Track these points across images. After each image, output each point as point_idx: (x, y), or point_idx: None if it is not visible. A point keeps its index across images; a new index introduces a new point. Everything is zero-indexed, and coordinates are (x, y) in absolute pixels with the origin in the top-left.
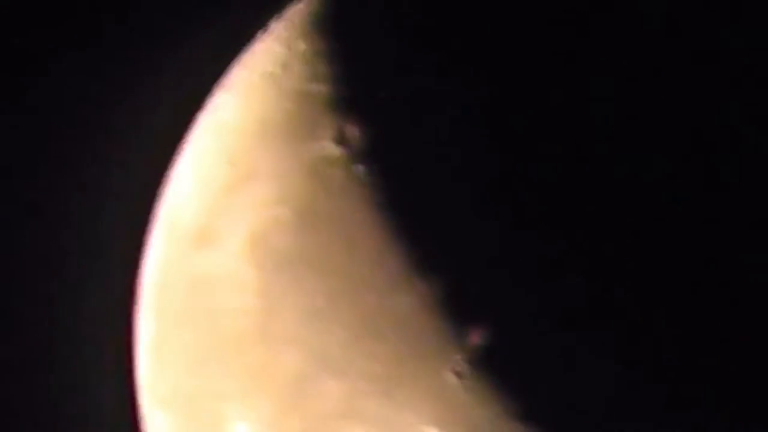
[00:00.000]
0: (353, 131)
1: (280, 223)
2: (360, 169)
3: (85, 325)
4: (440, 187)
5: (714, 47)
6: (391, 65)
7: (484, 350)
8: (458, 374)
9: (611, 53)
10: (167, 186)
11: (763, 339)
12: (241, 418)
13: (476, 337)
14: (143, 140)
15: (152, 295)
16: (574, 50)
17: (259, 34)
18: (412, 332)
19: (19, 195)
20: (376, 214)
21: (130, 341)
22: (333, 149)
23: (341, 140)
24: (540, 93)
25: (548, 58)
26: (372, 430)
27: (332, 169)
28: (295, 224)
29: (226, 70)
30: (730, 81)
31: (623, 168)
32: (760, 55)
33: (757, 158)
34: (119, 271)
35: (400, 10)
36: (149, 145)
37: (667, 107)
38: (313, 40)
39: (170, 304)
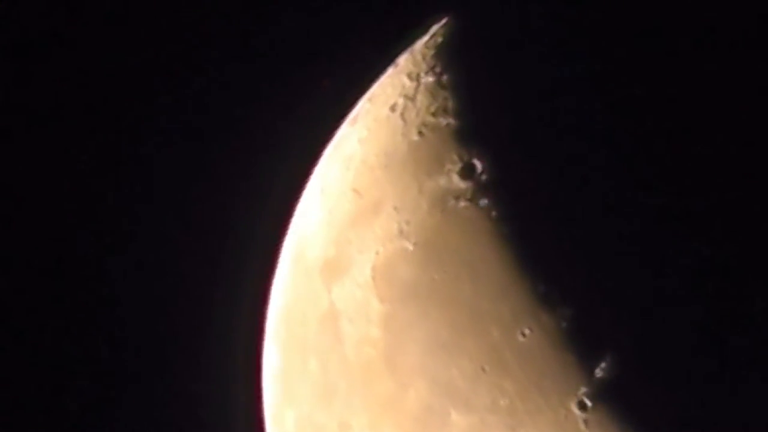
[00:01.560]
0: (478, 164)
1: (405, 255)
2: (485, 202)
3: (213, 355)
4: (564, 221)
5: None
6: (515, 97)
7: (609, 383)
8: (583, 407)
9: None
10: (296, 217)
11: None
12: None
13: (601, 370)
14: (274, 172)
15: (279, 325)
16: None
17: (386, 68)
18: (536, 365)
19: (147, 229)
20: (500, 248)
21: (258, 372)
22: (458, 182)
23: (466, 173)
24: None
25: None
26: None
27: (457, 202)
28: (420, 257)
29: (353, 104)
30: None
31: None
32: None
33: None
34: (247, 302)
35: (523, 45)
36: (279, 176)
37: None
38: (440, 73)
39: (297, 334)
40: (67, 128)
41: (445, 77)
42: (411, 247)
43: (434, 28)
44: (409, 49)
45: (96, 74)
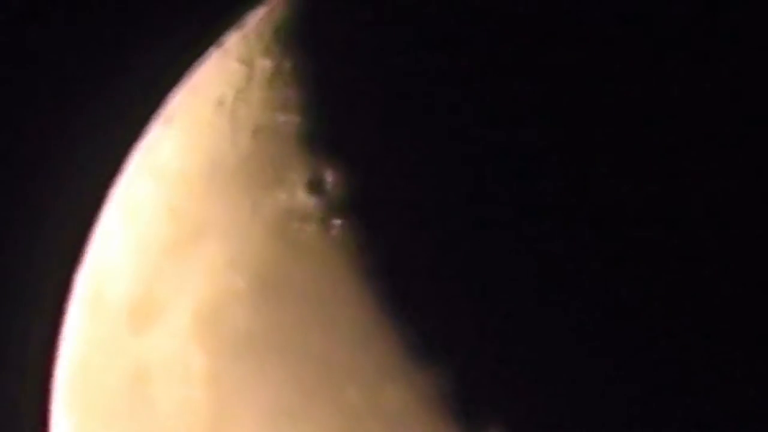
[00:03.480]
0: (331, 176)
1: (237, 294)
2: (338, 225)
3: None
4: (441, 251)
5: None
6: (379, 89)
7: None
8: None
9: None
10: (91, 246)
11: None
12: None
13: None
14: (62, 186)
15: (73, 386)
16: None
17: (209, 50)
18: None
19: None
20: (359, 285)
21: None
22: (304, 199)
23: (315, 188)
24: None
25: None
26: None
27: (303, 226)
28: (256, 296)
29: (166, 97)
30: None
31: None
32: None
33: None
34: (29, 360)
35: (391, 16)
36: (69, 192)
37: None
38: (280, 57)
39: (95, 398)
40: None
41: (287, 62)
42: (244, 285)
43: None
44: (240, 25)
45: None
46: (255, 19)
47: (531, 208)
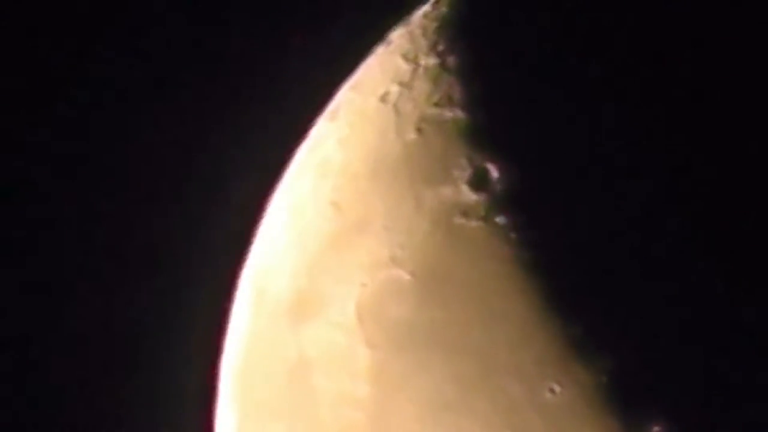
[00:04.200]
0: (494, 171)
1: (399, 288)
2: (502, 220)
3: (156, 422)
4: (602, 246)
5: None
6: (543, 85)
7: None
8: None
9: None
10: (256, 240)
11: None
12: None
13: None
14: (227, 184)
15: (236, 380)
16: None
17: (374, 47)
18: (568, 431)
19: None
20: (522, 279)
21: None
22: (467, 194)
23: (478, 182)
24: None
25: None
26: None
27: (466, 220)
28: (418, 291)
29: (331, 92)
30: None
31: None
32: None
33: None
34: (196, 353)
35: (558, 10)
36: (234, 190)
37: None
38: (445, 53)
39: (258, 391)
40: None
41: (450, 58)
42: (407, 278)
43: None
44: (405, 21)
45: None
46: (420, 16)
47: (687, 205)
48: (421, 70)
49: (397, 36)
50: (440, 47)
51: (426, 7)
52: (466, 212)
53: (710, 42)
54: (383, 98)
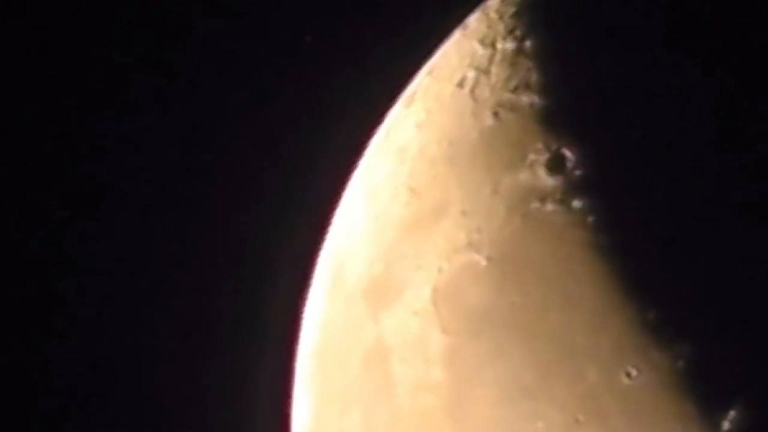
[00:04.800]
0: (571, 156)
1: (476, 273)
2: (579, 204)
3: (232, 403)
4: (684, 228)
5: None
6: (620, 70)
7: None
8: None
9: None
10: (333, 224)
11: None
12: None
13: (729, 423)
14: (305, 168)
15: (313, 365)
16: None
17: (451, 31)
18: (645, 416)
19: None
20: (599, 263)
21: (286, 425)
22: (544, 178)
23: (555, 167)
24: None
25: None
26: None
27: (543, 205)
28: (495, 276)
29: (408, 78)
30: None
31: None
32: None
33: None
34: (273, 335)
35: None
36: (312, 174)
37: None
38: (521, 38)
39: (335, 376)
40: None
41: (528, 43)
42: (483, 263)
43: None
44: (482, 6)
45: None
46: (497, 1)
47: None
48: (498, 55)
49: (475, 21)
50: (517, 32)
51: None
52: (542, 197)
53: None
54: (460, 83)
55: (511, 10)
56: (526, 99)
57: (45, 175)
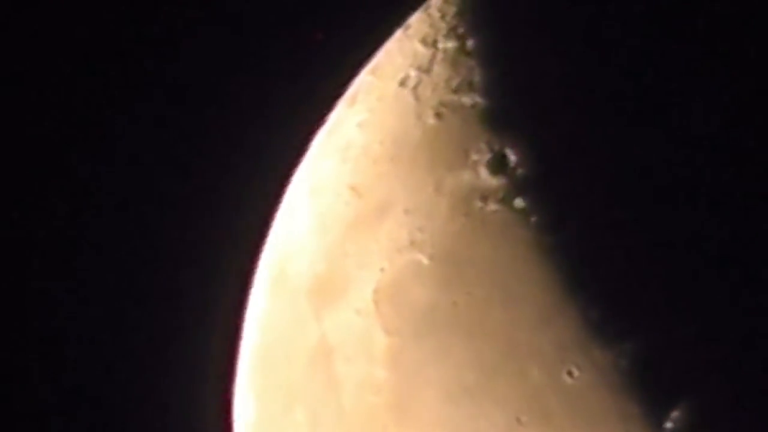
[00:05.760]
0: (513, 155)
1: (419, 272)
2: (522, 204)
3: (173, 405)
4: (622, 228)
5: None
6: (561, 69)
7: None
8: None
9: None
10: (275, 223)
11: None
12: None
13: (672, 422)
14: (247, 167)
15: (255, 364)
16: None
17: (393, 31)
18: (589, 415)
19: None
20: (542, 262)
21: (228, 425)
22: (487, 178)
23: (497, 166)
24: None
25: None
26: None
27: (485, 204)
28: (438, 275)
29: (350, 77)
30: None
31: None
32: None
33: None
34: (214, 336)
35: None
36: (254, 173)
37: None
38: (463, 37)
39: (278, 376)
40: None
41: (470, 42)
42: (426, 262)
43: None
44: (424, 5)
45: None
46: (438, 0)
47: (717, 185)
48: (440, 55)
49: (416, 20)
50: (459, 31)
51: None
52: (485, 196)
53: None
54: (402, 83)
55: (453, 9)
56: (468, 99)
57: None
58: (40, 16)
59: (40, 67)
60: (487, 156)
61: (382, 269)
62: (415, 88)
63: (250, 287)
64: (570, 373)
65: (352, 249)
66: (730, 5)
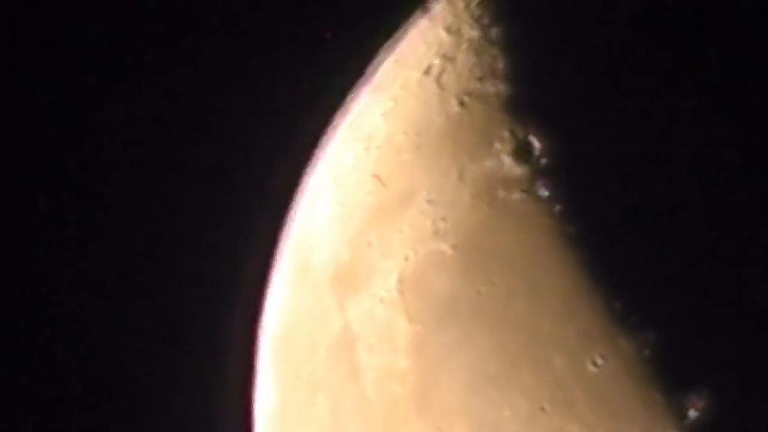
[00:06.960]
0: (537, 143)
1: (442, 261)
2: (545, 193)
3: (195, 393)
4: (650, 217)
5: None
6: (586, 56)
7: (705, 428)
8: None
9: None
10: (298, 212)
11: None
12: None
13: (695, 411)
14: (269, 155)
15: (277, 354)
16: None
17: (415, 18)
18: (611, 404)
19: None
20: (566, 252)
21: (249, 413)
22: (511, 166)
23: (521, 155)
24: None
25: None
26: None
27: (509, 193)
28: (461, 264)
29: (372, 65)
30: None
31: None
32: None
33: None
34: (237, 323)
35: None
36: (276, 161)
37: None
38: (487, 25)
39: (300, 364)
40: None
41: (494, 30)
42: (449, 251)
43: None
44: None
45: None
46: None
47: (734, 180)
48: (464, 43)
49: (440, 8)
50: (484, 19)
51: None
52: (508, 185)
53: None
54: (426, 71)
55: None
56: (492, 87)
57: None
58: (40, 16)
59: (54, 68)
60: (511, 145)
61: (405, 258)
62: (439, 76)
63: (273, 277)
64: (594, 362)
65: (376, 238)
66: None
